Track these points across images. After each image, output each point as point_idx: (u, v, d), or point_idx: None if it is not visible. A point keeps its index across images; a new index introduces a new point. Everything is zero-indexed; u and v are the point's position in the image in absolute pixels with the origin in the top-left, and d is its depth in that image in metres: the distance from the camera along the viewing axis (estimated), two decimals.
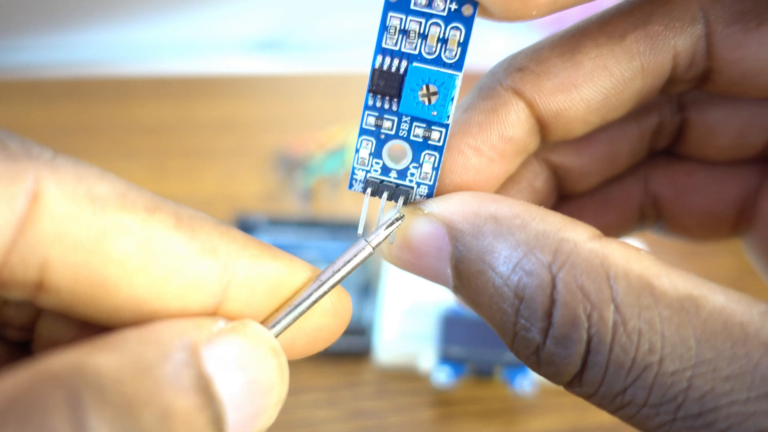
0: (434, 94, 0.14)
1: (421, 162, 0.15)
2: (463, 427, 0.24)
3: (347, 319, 0.14)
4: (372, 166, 0.15)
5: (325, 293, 0.13)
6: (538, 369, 0.13)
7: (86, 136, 0.41)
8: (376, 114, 0.15)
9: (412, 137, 0.15)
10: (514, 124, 0.15)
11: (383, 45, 0.14)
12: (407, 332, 0.27)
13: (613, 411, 0.12)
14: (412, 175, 0.15)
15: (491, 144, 0.15)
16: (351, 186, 0.16)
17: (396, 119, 0.15)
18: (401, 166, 0.15)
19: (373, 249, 0.14)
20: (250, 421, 0.12)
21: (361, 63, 0.61)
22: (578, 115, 0.16)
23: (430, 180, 0.15)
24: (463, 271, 0.14)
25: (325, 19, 0.64)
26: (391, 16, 0.14)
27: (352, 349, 0.27)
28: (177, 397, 0.10)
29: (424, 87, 0.14)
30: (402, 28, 0.14)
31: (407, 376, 0.26)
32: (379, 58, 0.14)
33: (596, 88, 0.15)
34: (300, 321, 0.13)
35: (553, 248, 0.13)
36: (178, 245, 0.12)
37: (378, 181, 0.15)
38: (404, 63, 0.14)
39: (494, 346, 0.26)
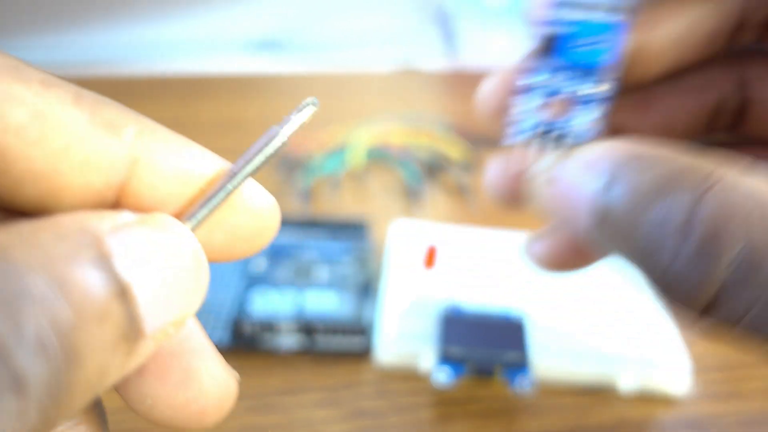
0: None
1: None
2: (463, 428, 0.24)
3: (271, 220, 0.13)
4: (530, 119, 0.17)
5: (239, 184, 0.12)
6: (673, 294, 0.13)
7: None
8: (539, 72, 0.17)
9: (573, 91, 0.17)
10: None
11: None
12: (407, 332, 0.27)
13: (763, 330, 0.12)
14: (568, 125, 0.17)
15: None
16: (510, 140, 0.17)
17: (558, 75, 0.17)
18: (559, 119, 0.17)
19: (286, 138, 0.13)
20: (162, 311, 0.11)
21: (360, 63, 0.61)
22: (655, 52, 0.17)
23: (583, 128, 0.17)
24: (605, 207, 0.14)
25: (326, 19, 0.64)
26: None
27: (352, 349, 0.27)
28: (74, 269, 0.09)
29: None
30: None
31: (407, 376, 0.26)
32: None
33: (673, 25, 0.17)
34: (217, 217, 0.12)
35: (703, 175, 0.13)
36: (76, 119, 0.11)
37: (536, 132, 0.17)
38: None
39: (495, 345, 0.25)
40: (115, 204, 0.12)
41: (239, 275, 0.31)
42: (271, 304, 0.29)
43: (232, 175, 0.12)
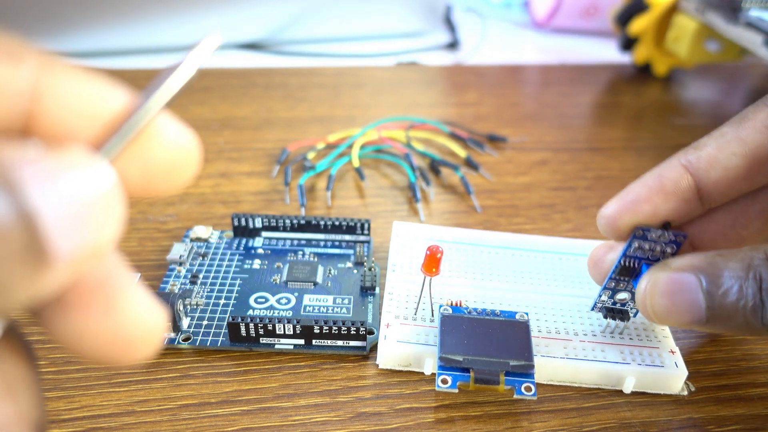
0: None
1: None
2: (464, 428, 0.24)
3: (188, 155, 0.13)
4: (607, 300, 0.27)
5: (151, 117, 0.12)
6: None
7: None
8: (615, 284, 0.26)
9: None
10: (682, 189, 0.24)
11: (627, 254, 0.24)
12: (407, 337, 0.27)
13: None
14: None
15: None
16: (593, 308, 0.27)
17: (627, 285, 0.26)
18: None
19: (193, 70, 0.13)
20: (74, 237, 0.11)
21: (360, 62, 0.61)
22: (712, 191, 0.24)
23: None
24: (713, 295, 0.21)
25: (325, 18, 0.63)
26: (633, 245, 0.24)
27: (351, 351, 0.27)
28: None
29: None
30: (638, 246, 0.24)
31: (408, 381, 0.26)
32: (623, 260, 0.25)
33: (735, 160, 0.23)
34: (133, 152, 0.12)
35: (753, 253, 0.21)
36: None
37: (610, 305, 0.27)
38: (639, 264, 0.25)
39: (499, 353, 0.25)
40: (24, 132, 0.12)
41: (239, 276, 0.31)
42: (270, 304, 0.29)
43: (141, 107, 0.12)
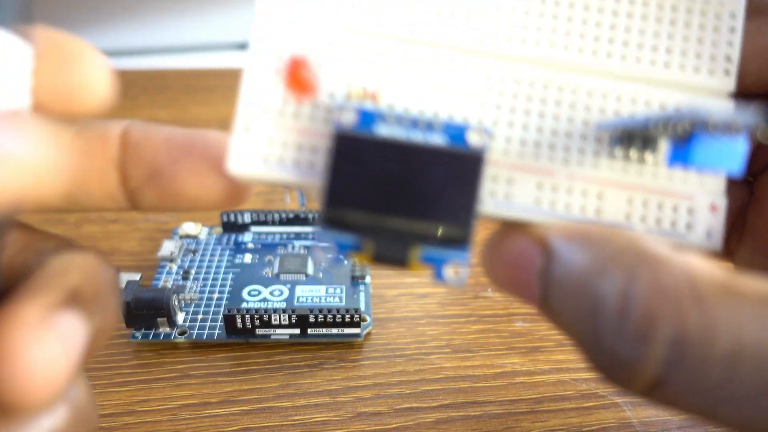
0: None
1: None
2: (463, 428, 0.24)
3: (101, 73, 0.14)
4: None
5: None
6: (614, 375, 0.13)
7: None
8: None
9: None
10: None
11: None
12: (280, 146, 0.15)
13: (705, 411, 0.12)
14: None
15: None
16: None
17: None
18: None
19: None
20: None
21: None
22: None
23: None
24: (548, 284, 0.14)
25: None
26: None
27: (345, 338, 0.28)
28: None
29: None
30: None
31: (409, 381, 0.26)
32: None
33: None
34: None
35: (635, 255, 0.13)
36: None
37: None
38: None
39: (419, 209, 0.14)
40: None
41: (231, 271, 0.31)
42: (263, 297, 0.29)
43: None
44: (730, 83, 0.16)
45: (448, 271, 0.15)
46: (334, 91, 0.15)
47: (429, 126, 0.15)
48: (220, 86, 0.51)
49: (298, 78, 0.15)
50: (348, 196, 0.15)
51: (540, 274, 0.14)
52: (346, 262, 0.31)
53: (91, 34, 0.55)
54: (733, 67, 0.16)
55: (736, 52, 0.16)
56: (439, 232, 0.15)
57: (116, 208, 0.17)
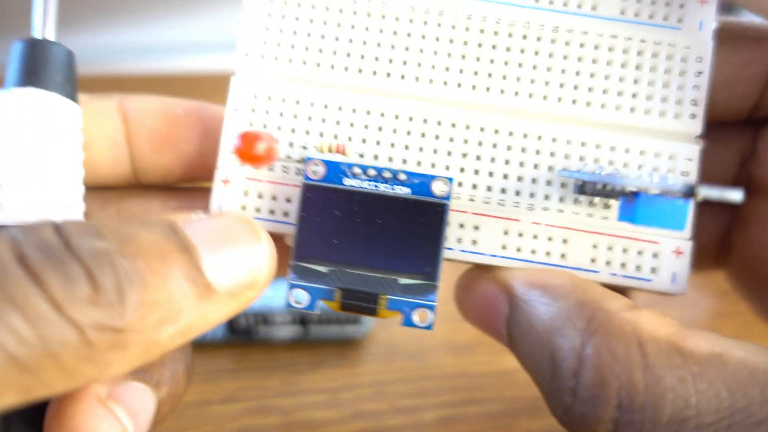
0: None
1: None
2: (462, 428, 0.24)
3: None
4: None
5: None
6: (570, 428, 0.14)
7: None
8: None
9: None
10: None
11: None
12: (256, 197, 0.17)
13: None
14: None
15: None
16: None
17: None
18: None
19: None
20: (227, 272, 0.14)
21: None
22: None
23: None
24: (513, 331, 0.15)
25: None
26: None
27: (346, 336, 0.28)
28: (146, 232, 0.13)
29: None
30: None
31: (409, 378, 0.26)
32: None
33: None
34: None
35: (588, 315, 0.14)
36: None
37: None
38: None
39: (385, 260, 0.16)
40: None
41: None
42: (265, 296, 0.30)
43: None
44: (696, 127, 0.16)
45: (416, 317, 0.16)
46: (305, 145, 0.17)
47: (395, 176, 0.16)
48: (220, 87, 0.51)
49: (249, 153, 0.16)
50: (316, 248, 0.16)
51: (506, 321, 0.16)
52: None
53: (91, 34, 0.55)
54: (700, 111, 0.16)
55: (703, 95, 0.16)
56: (405, 282, 0.16)
57: (122, 179, 0.17)
